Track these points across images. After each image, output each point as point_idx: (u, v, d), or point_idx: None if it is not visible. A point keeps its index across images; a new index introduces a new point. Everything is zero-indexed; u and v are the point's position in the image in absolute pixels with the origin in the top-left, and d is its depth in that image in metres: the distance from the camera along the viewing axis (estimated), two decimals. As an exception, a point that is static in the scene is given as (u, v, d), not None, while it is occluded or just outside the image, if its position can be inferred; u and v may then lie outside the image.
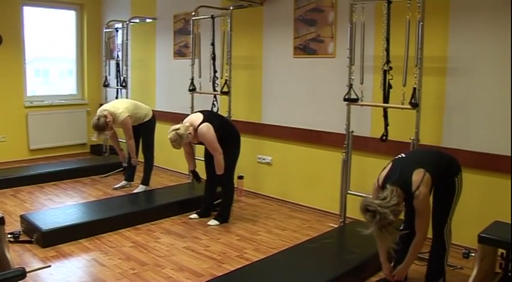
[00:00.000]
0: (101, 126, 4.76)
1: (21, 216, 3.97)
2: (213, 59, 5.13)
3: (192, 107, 5.32)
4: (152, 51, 6.47)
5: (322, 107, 4.55)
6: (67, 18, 7.28)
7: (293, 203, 4.84)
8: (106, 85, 6.74)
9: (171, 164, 6.12)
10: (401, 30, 3.50)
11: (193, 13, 5.22)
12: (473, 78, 3.56)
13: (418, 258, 3.09)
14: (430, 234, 2.87)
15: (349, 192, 3.98)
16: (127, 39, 6.32)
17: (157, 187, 5.26)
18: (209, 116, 4.15)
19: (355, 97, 3.83)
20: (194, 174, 4.42)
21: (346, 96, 3.86)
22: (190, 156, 4.42)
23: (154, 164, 5.28)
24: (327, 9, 4.42)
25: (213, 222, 4.23)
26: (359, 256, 3.24)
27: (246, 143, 4.64)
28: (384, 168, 2.83)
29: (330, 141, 4.44)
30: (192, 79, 5.32)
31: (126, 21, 6.33)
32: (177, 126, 3.97)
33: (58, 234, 3.70)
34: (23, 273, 2.54)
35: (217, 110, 5.06)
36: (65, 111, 7.10)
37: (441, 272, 2.93)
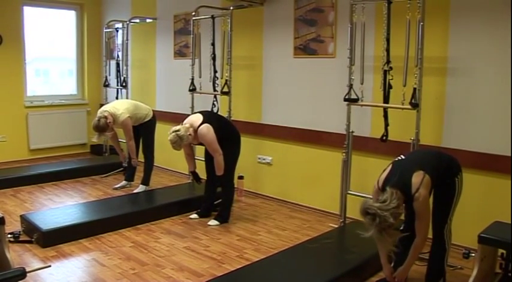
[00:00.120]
0: (102, 127, 4.77)
1: (21, 216, 3.97)
2: (213, 59, 5.13)
3: (192, 107, 5.32)
4: (152, 51, 6.47)
5: (323, 107, 4.54)
6: (67, 18, 7.28)
7: (293, 203, 4.84)
8: (106, 85, 6.74)
9: (171, 164, 6.12)
10: (402, 31, 3.50)
11: (193, 13, 5.22)
12: (473, 79, 3.56)
13: (418, 258, 3.08)
14: (430, 235, 2.86)
15: (349, 192, 3.98)
16: (127, 39, 6.32)
17: (157, 187, 5.26)
18: (209, 117, 4.14)
19: (355, 97, 3.83)
20: (194, 175, 4.42)
21: (347, 97, 3.86)
22: (190, 157, 4.42)
23: (155, 164, 5.28)
24: (327, 9, 4.42)
25: (213, 222, 4.23)
26: (359, 256, 3.24)
27: (246, 143, 4.64)
28: (384, 170, 2.82)
29: (330, 142, 4.44)
30: (192, 79, 5.32)
31: (126, 21, 6.33)
32: (177, 127, 3.96)
33: (58, 234, 3.70)
34: (23, 273, 2.54)
35: (218, 110, 5.06)
36: (65, 111, 7.10)
37: (441, 272, 2.93)
